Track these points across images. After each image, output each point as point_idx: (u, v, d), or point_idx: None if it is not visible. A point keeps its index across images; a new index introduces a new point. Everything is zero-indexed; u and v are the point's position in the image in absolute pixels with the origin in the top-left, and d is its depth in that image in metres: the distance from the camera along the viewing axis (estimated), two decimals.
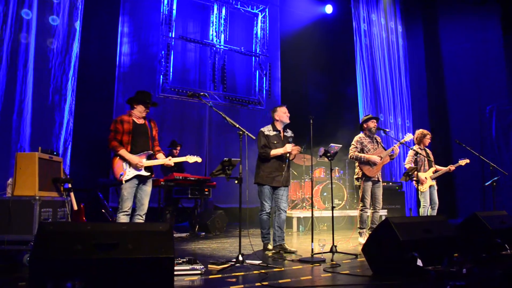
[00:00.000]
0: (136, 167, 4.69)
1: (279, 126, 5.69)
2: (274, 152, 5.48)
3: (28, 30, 7.13)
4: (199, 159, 4.99)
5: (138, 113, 4.87)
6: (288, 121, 5.69)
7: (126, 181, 4.66)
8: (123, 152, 4.67)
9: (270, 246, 5.62)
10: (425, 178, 6.80)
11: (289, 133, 5.79)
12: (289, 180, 5.82)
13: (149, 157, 4.85)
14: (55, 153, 5.20)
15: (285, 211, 5.67)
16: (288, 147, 5.43)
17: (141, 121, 4.92)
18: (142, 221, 4.80)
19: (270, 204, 5.63)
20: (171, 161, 4.90)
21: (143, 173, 4.74)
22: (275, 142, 5.58)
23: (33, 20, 7.20)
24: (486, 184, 7.53)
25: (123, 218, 4.65)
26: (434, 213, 6.81)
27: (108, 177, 8.51)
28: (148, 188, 4.86)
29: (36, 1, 7.26)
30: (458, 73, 12.88)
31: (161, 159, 4.92)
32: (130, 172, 4.68)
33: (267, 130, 5.63)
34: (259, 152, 5.58)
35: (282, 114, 5.65)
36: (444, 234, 4.11)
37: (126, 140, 4.74)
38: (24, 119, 7.00)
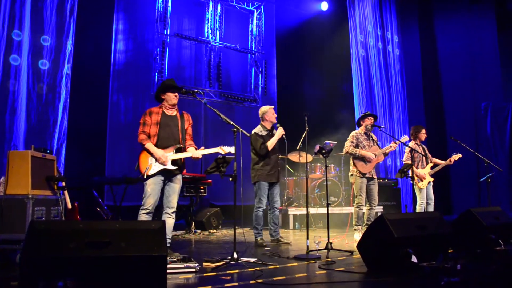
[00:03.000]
0: (161, 162, 4.47)
1: (268, 126, 6.05)
2: (271, 141, 5.86)
3: (21, 27, 7.07)
4: (232, 149, 4.59)
5: (169, 102, 4.65)
6: (275, 121, 6.06)
7: (150, 176, 4.45)
8: (149, 145, 4.48)
9: (260, 241, 5.82)
10: (424, 174, 6.79)
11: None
12: (281, 176, 6.18)
13: (178, 151, 4.61)
14: (48, 151, 5.17)
15: (278, 208, 6.09)
16: (280, 130, 5.85)
17: (173, 113, 4.71)
18: (172, 219, 4.60)
19: (267, 201, 5.98)
20: (198, 152, 4.60)
21: (169, 167, 4.50)
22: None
23: (26, 17, 7.14)
24: (481, 180, 7.55)
25: (143, 216, 4.42)
26: (431, 209, 6.81)
27: (104, 175, 8.48)
28: (176, 185, 4.63)
29: None
30: (454, 70, 12.92)
31: (188, 152, 4.63)
32: (155, 167, 4.46)
33: (259, 131, 5.99)
34: (260, 150, 5.85)
35: (271, 115, 6.04)
36: (438, 231, 4.10)
37: (153, 132, 4.55)
38: (18, 117, 6.95)
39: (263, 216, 5.97)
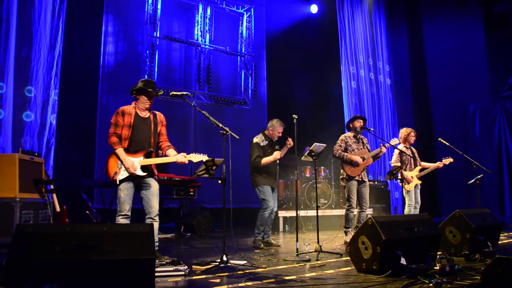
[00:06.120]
0: (131, 172, 4.28)
1: (270, 137, 6.09)
2: (265, 160, 5.88)
3: (8, 28, 6.99)
4: (204, 158, 4.42)
5: (141, 104, 4.46)
6: (276, 139, 6.09)
7: (121, 181, 4.27)
8: (119, 151, 4.29)
9: (259, 242, 5.90)
10: (411, 177, 6.82)
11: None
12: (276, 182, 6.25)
13: (148, 155, 4.42)
14: (36, 154, 5.12)
15: (274, 211, 6.15)
16: (277, 155, 5.85)
17: (146, 114, 4.51)
18: (157, 222, 4.38)
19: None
20: (170, 159, 4.46)
21: (139, 173, 4.31)
22: (269, 151, 6.00)
23: (13, 17, 7.06)
24: (469, 182, 7.61)
25: (122, 221, 4.27)
26: (417, 212, 6.85)
27: (93, 178, 8.41)
28: (153, 188, 4.40)
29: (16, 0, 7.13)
30: (442, 72, 13.05)
31: (158, 158, 4.51)
32: (124, 172, 4.30)
33: (261, 141, 6.02)
34: (254, 162, 5.94)
35: (276, 131, 6.04)
36: (427, 233, 4.13)
37: (125, 135, 4.35)
38: (5, 120, 6.87)
39: (267, 218, 5.97)
